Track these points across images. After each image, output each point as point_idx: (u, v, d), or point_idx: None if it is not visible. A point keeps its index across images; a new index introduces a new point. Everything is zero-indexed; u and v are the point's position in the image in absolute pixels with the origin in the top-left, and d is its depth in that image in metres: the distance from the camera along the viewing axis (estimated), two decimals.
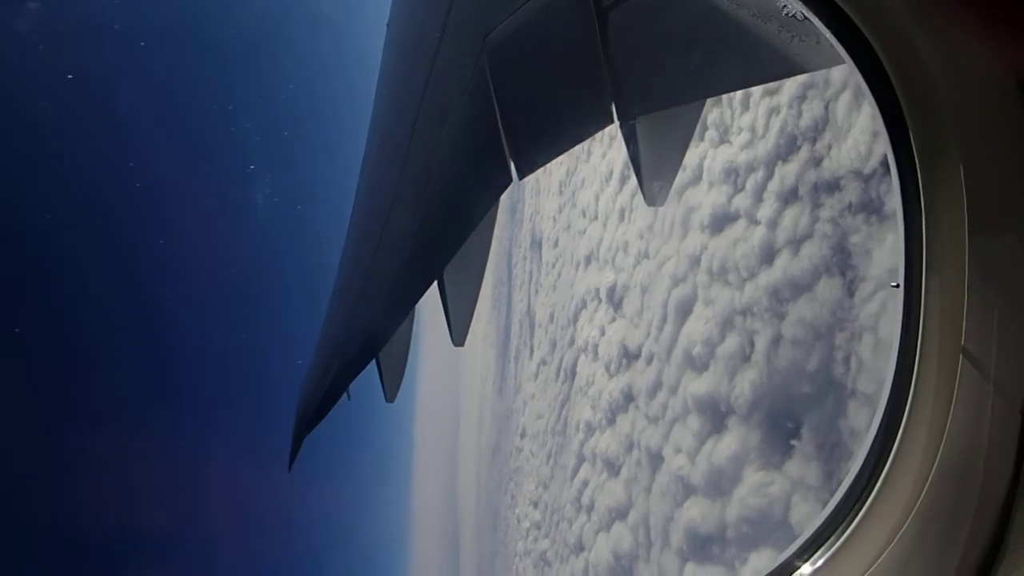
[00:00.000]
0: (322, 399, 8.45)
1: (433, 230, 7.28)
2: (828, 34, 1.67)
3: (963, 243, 1.54)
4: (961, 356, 1.56)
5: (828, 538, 1.81)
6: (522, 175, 6.26)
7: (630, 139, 7.38)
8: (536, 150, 6.41)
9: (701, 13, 4.83)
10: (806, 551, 1.85)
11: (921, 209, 1.62)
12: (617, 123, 5.91)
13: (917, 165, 1.61)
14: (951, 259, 1.58)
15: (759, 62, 4.72)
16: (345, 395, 8.37)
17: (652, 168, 7.98)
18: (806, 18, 1.73)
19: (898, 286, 1.70)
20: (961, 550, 1.54)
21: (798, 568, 1.85)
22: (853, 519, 1.76)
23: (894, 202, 1.68)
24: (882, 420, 1.74)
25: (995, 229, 1.55)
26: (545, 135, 6.37)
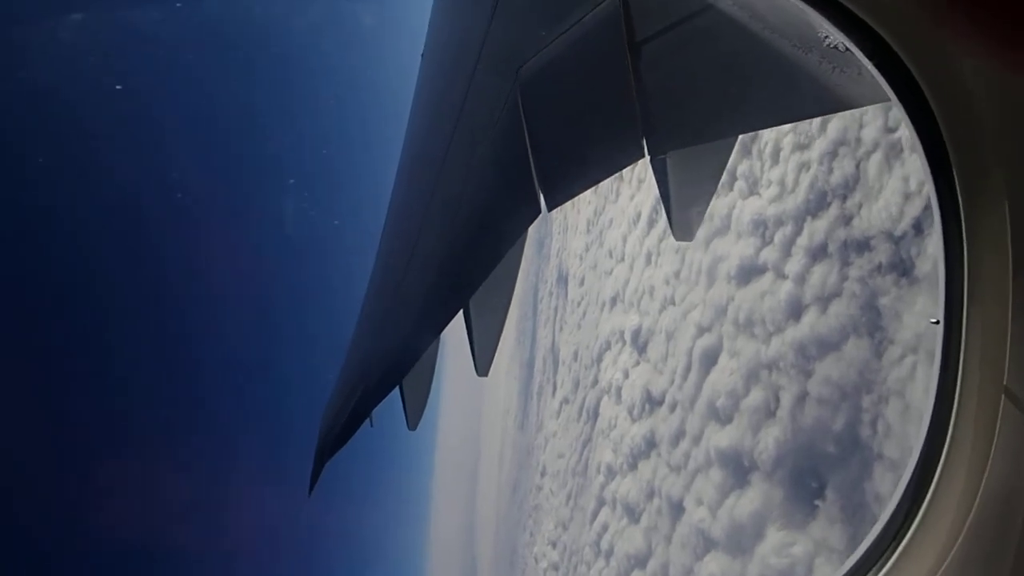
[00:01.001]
0: (345, 424, 8.47)
1: (461, 259, 7.31)
2: (870, 66, 1.64)
3: (1007, 279, 1.49)
4: (1003, 396, 1.50)
5: None
6: (551, 206, 6.26)
7: (660, 173, 7.37)
8: (566, 182, 6.42)
9: (738, 46, 4.80)
10: None
11: (963, 243, 1.57)
12: (648, 157, 5.89)
13: (959, 198, 1.56)
14: (994, 295, 1.52)
15: (797, 96, 4.71)
16: (368, 421, 8.40)
17: (682, 203, 7.96)
18: (848, 49, 1.70)
19: (938, 322, 1.66)
20: None
21: None
22: (887, 561, 1.71)
23: (935, 237, 1.65)
24: (919, 460, 1.69)
25: None
26: (575, 168, 6.38)
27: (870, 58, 1.62)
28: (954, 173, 1.55)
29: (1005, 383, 1.50)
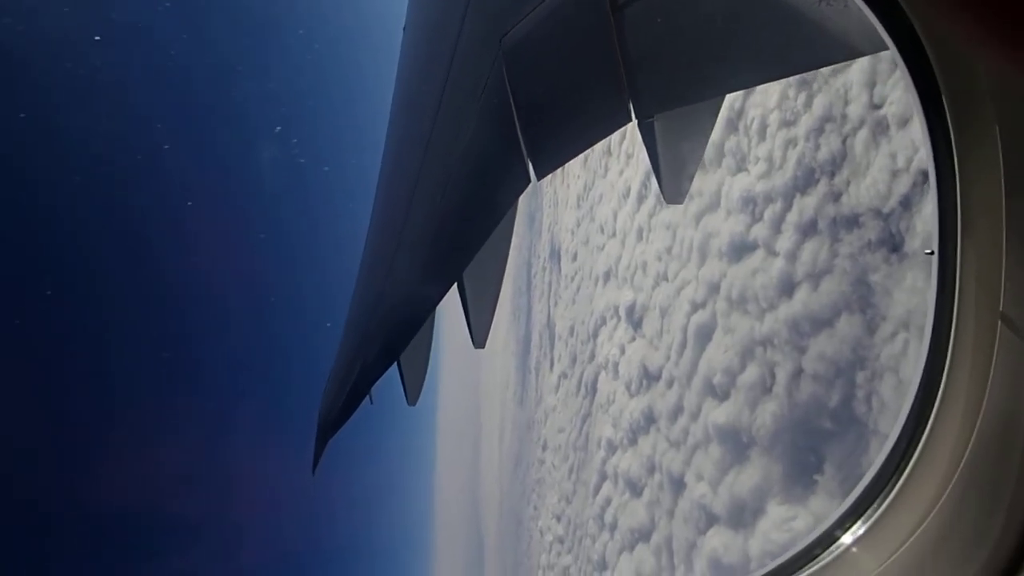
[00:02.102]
0: (345, 402, 8.54)
1: (452, 231, 7.31)
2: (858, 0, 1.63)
3: (999, 204, 1.47)
4: (999, 321, 1.51)
5: (868, 507, 1.79)
6: (540, 175, 6.26)
7: (648, 136, 7.36)
8: (554, 150, 6.42)
9: (721, 5, 4.81)
10: (846, 520, 1.83)
11: (955, 170, 1.56)
12: (635, 121, 5.90)
13: (950, 124, 1.55)
14: (987, 222, 1.51)
15: (782, 51, 4.68)
16: (368, 399, 8.47)
17: (671, 165, 7.95)
18: None
19: (932, 253, 1.65)
20: (1004, 515, 1.49)
21: (839, 538, 1.83)
22: (893, 488, 1.74)
23: (927, 164, 1.63)
24: (919, 388, 1.71)
25: None
26: (562, 135, 6.37)
27: None
28: (943, 98, 1.54)
29: (1001, 309, 1.51)
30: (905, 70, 1.60)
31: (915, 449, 1.70)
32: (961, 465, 1.59)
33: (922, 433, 1.69)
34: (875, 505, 1.77)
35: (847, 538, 1.82)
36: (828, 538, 1.85)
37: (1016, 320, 1.48)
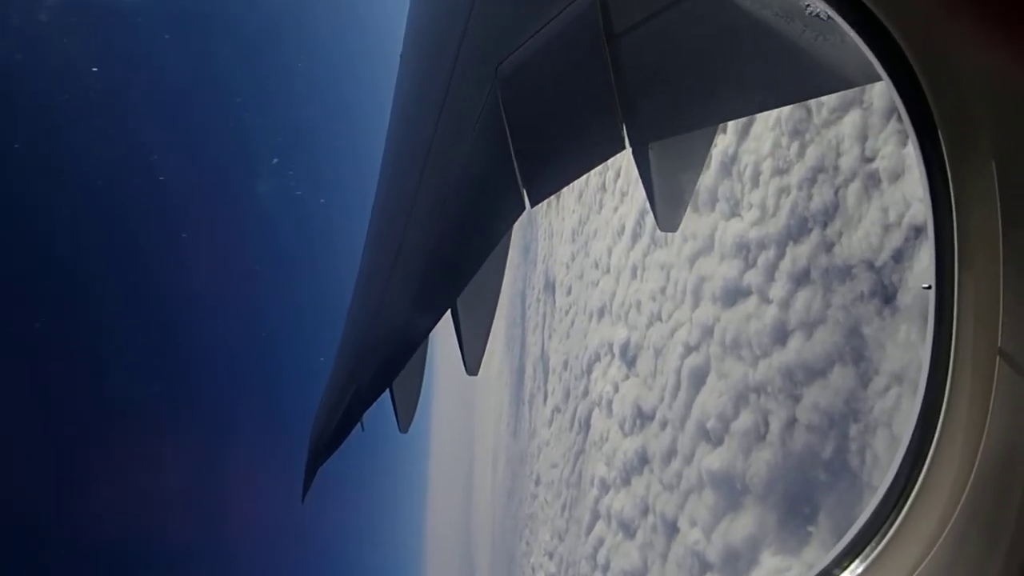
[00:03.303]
0: (336, 428, 8.48)
1: (447, 257, 7.31)
2: (851, 32, 1.63)
3: (997, 238, 1.46)
4: (998, 357, 1.49)
5: (866, 546, 1.75)
6: (535, 202, 6.27)
7: (642, 164, 7.38)
8: (548, 177, 6.43)
9: (715, 34, 4.81)
10: (843, 559, 1.79)
11: (951, 204, 1.55)
12: (629, 149, 5.91)
13: (946, 158, 1.54)
14: (985, 256, 1.50)
15: (778, 80, 4.70)
16: (359, 426, 8.40)
17: (665, 194, 7.97)
18: (829, 17, 1.70)
19: (930, 287, 1.63)
20: (1004, 553, 1.48)
21: None
22: (891, 526, 1.71)
23: (923, 199, 1.62)
24: (917, 425, 1.68)
25: None
26: (557, 162, 6.38)
27: (852, 24, 1.61)
28: (939, 133, 1.54)
29: (999, 344, 1.49)
30: (899, 101, 1.60)
31: (913, 486, 1.68)
32: (960, 503, 1.58)
33: (920, 470, 1.67)
34: (873, 544, 1.74)
35: None
36: None
37: (1014, 355, 1.47)
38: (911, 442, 1.69)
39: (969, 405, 1.57)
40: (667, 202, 8.14)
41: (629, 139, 5.57)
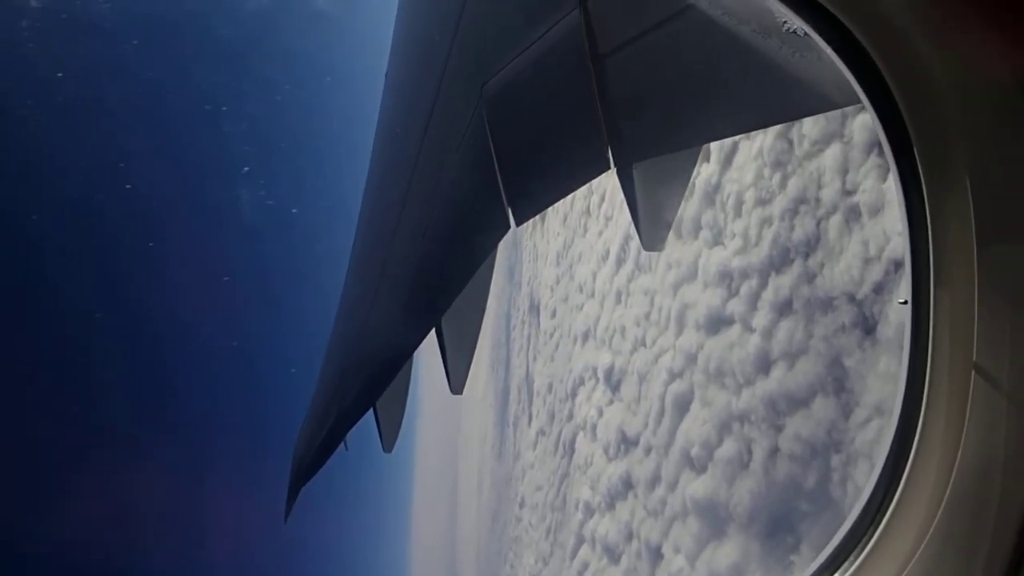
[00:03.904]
0: (319, 447, 8.41)
1: (432, 275, 7.31)
2: (828, 49, 1.64)
3: (971, 254, 1.48)
4: (973, 371, 1.51)
5: (844, 561, 1.76)
6: (520, 221, 6.30)
7: (627, 183, 7.43)
8: (533, 196, 6.47)
9: (698, 57, 4.87)
10: (821, 574, 1.80)
11: (927, 220, 1.57)
12: (614, 169, 5.95)
13: (921, 175, 1.56)
14: (960, 271, 1.52)
15: (758, 102, 4.75)
16: (343, 445, 8.33)
17: (650, 213, 8.01)
18: (806, 34, 1.70)
19: (906, 303, 1.65)
20: (981, 568, 1.49)
21: None
22: (868, 541, 1.71)
23: (898, 215, 1.64)
24: (894, 441, 1.69)
25: (1005, 238, 1.48)
26: (542, 182, 6.42)
27: (828, 41, 1.63)
28: (915, 151, 1.55)
29: (975, 359, 1.51)
30: (875, 117, 1.62)
31: (891, 501, 1.69)
32: (937, 517, 1.59)
33: (897, 485, 1.68)
34: (851, 559, 1.75)
35: None
36: None
37: (989, 370, 1.49)
38: (888, 457, 1.72)
39: (945, 420, 1.59)
40: (651, 222, 8.19)
41: (614, 159, 5.63)
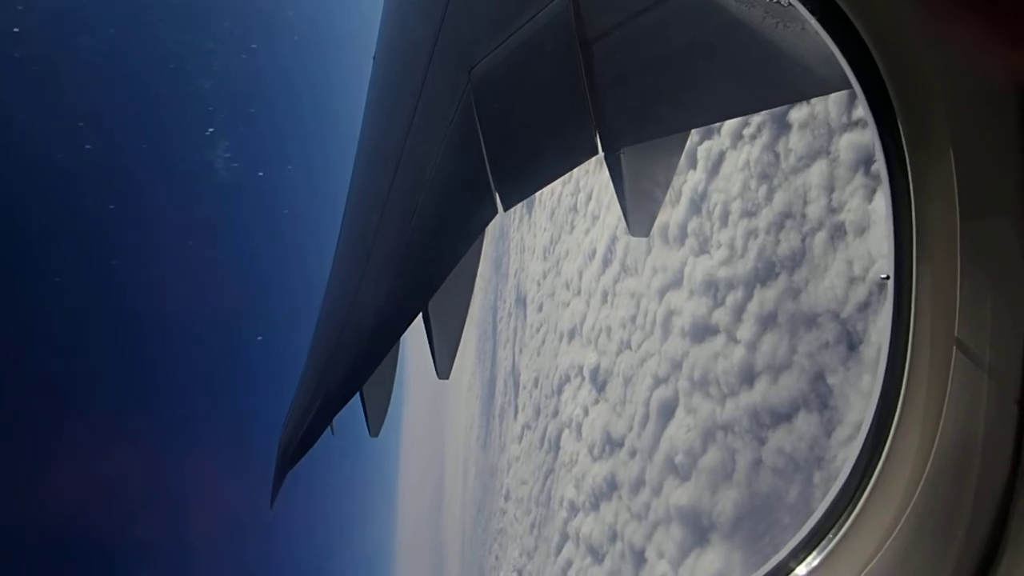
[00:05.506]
0: (306, 432, 8.43)
1: (419, 259, 7.30)
2: (812, 20, 1.63)
3: (955, 229, 1.48)
4: (955, 347, 1.52)
5: (823, 538, 1.75)
6: (507, 206, 6.29)
7: (614, 169, 7.43)
8: (520, 181, 6.46)
9: (687, 41, 4.87)
10: (800, 552, 1.79)
11: (910, 196, 1.57)
12: (602, 154, 5.97)
13: (905, 150, 1.56)
14: (942, 247, 1.52)
15: (747, 87, 4.76)
16: (329, 430, 8.35)
17: (637, 198, 8.03)
18: (790, 4, 1.70)
19: (888, 278, 1.66)
20: (960, 544, 1.49)
21: (792, 569, 1.79)
22: (848, 517, 1.71)
23: (882, 191, 1.64)
24: (874, 416, 1.69)
25: (987, 214, 1.48)
26: (529, 166, 6.42)
27: (811, 12, 1.63)
28: (899, 125, 1.55)
29: (956, 334, 1.51)
30: (859, 90, 1.62)
31: (871, 477, 1.69)
32: (917, 492, 1.59)
33: (878, 461, 1.68)
34: (830, 536, 1.74)
35: (801, 570, 1.79)
36: (782, 570, 1.82)
37: (971, 345, 1.50)
38: (868, 433, 1.71)
39: (926, 394, 1.59)
40: (638, 208, 8.20)
41: (601, 144, 5.63)
